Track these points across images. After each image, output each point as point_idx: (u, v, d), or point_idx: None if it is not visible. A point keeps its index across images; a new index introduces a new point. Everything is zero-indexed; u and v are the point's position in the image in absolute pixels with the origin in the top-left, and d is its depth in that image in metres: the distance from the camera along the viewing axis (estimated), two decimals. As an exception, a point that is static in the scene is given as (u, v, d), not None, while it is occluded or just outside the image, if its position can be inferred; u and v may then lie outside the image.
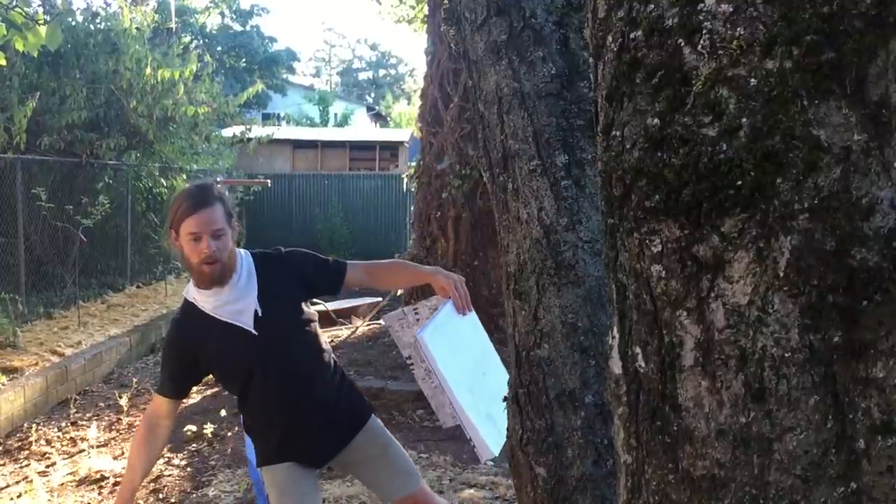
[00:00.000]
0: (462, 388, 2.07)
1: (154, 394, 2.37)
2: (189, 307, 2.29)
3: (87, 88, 9.31)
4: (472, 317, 2.30)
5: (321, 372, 2.38)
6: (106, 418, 5.59)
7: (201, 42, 23.45)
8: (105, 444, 5.02)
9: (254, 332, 2.23)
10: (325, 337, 2.48)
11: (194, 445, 4.90)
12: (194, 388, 6.42)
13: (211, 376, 2.50)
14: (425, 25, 8.06)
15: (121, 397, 5.81)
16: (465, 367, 2.16)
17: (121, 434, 5.25)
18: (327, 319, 7.57)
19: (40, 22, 4.08)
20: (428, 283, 2.41)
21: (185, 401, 6.33)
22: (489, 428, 2.09)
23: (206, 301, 2.25)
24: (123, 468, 4.52)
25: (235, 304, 2.24)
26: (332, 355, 2.47)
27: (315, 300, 7.64)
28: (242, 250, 2.33)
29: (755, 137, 0.71)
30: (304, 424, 2.32)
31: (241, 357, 2.26)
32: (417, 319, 2.27)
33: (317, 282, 2.41)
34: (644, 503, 0.84)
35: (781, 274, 0.71)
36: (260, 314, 2.24)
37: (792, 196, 0.70)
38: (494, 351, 2.34)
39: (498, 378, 2.21)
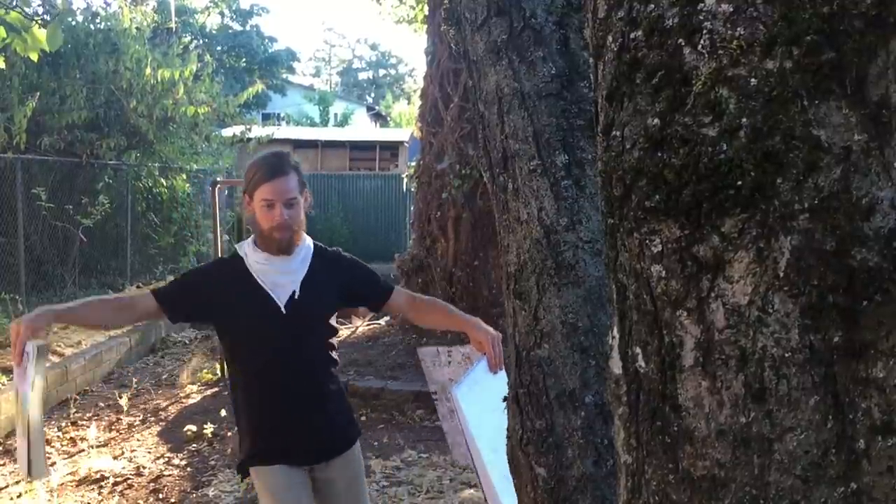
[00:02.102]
0: (487, 447, 2.09)
1: (149, 291, 2.31)
2: (236, 258, 2.32)
3: (87, 88, 9.31)
4: (503, 376, 2.31)
5: (327, 378, 2.37)
6: (106, 418, 5.59)
7: (201, 42, 23.44)
8: (105, 444, 5.02)
9: (283, 310, 2.24)
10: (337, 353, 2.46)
11: (194, 445, 4.90)
12: (194, 388, 6.41)
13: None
14: (425, 25, 8.06)
15: (121, 397, 5.82)
16: (491, 425, 2.18)
17: (121, 434, 5.25)
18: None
19: (39, 23, 4.08)
20: (465, 331, 2.37)
21: (184, 401, 6.32)
22: (507, 488, 2.11)
23: (256, 261, 2.27)
24: (123, 468, 4.54)
25: (280, 276, 2.26)
26: (338, 373, 2.46)
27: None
28: (307, 236, 2.36)
29: (755, 137, 0.71)
30: (298, 423, 2.29)
31: (263, 330, 2.26)
32: (449, 362, 2.29)
33: (359, 292, 2.43)
34: (644, 503, 0.84)
35: (781, 274, 0.71)
36: (296, 296, 2.26)
37: (792, 196, 0.70)
38: None
39: None
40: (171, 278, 10.10)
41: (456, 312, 2.47)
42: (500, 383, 2.27)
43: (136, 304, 2.32)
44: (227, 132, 13.10)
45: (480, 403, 2.14)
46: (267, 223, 2.20)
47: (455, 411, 2.09)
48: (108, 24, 9.94)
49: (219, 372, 6.37)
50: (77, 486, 4.32)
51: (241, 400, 2.38)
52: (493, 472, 2.09)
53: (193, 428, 5.01)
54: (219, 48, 26.47)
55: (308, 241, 2.34)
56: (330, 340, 2.40)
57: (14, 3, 4.15)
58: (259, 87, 13.19)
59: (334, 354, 2.42)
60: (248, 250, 2.29)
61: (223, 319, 2.34)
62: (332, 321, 2.41)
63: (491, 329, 2.30)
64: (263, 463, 2.30)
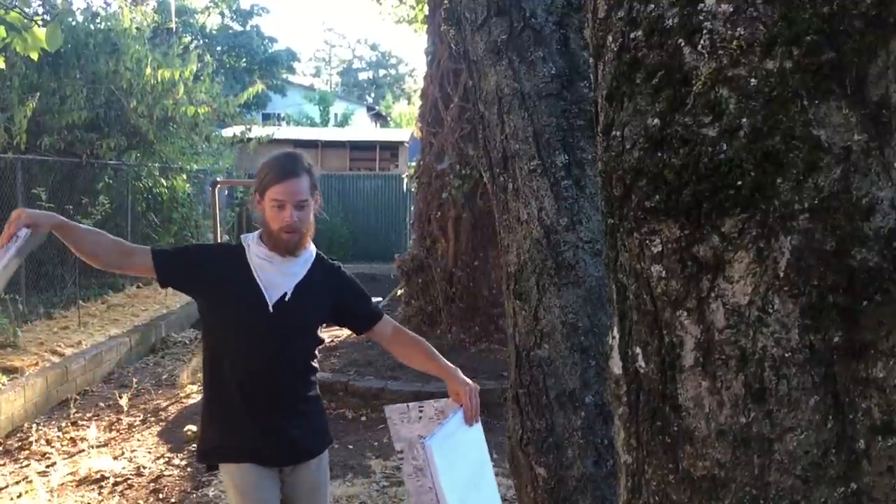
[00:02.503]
0: (455, 500, 2.09)
1: (149, 248, 2.31)
2: (238, 246, 2.32)
3: (87, 88, 9.31)
4: (478, 428, 2.30)
5: (304, 385, 2.36)
6: (106, 418, 5.59)
7: (201, 42, 23.44)
8: (105, 444, 5.02)
9: (271, 308, 2.24)
10: (318, 358, 2.46)
11: (194, 445, 4.89)
12: (194, 388, 6.40)
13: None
14: (425, 25, 8.07)
15: (121, 397, 5.81)
16: (461, 478, 2.17)
17: (121, 434, 5.25)
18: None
19: (39, 23, 4.08)
20: (443, 378, 2.34)
21: (184, 401, 6.31)
22: None
23: (257, 254, 2.27)
24: (123, 468, 4.54)
25: (276, 275, 2.26)
26: (317, 380, 2.45)
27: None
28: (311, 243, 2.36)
29: (755, 137, 0.71)
30: (272, 424, 2.28)
31: (244, 319, 2.26)
32: (420, 417, 2.26)
33: (349, 309, 2.41)
34: (644, 503, 0.84)
35: (781, 274, 0.71)
36: (287, 298, 2.25)
37: (792, 196, 0.70)
38: (490, 464, 2.36)
39: (489, 493, 2.24)
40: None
41: (437, 357, 2.42)
42: (471, 438, 2.27)
43: (134, 253, 2.30)
44: (228, 132, 13.11)
45: (453, 455, 2.14)
46: (276, 223, 2.20)
47: (424, 468, 2.08)
48: (108, 24, 9.94)
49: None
50: (77, 486, 4.32)
51: (214, 386, 2.36)
52: None
53: (193, 428, 5.00)
54: (219, 48, 26.47)
55: (312, 248, 2.34)
56: (313, 350, 2.39)
57: (14, 3, 4.15)
58: (259, 87, 13.20)
59: (315, 363, 2.41)
60: (251, 243, 2.30)
61: (210, 300, 2.34)
62: (320, 333, 2.40)
63: (469, 380, 2.25)
64: (233, 460, 2.29)
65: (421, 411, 2.24)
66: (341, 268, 2.44)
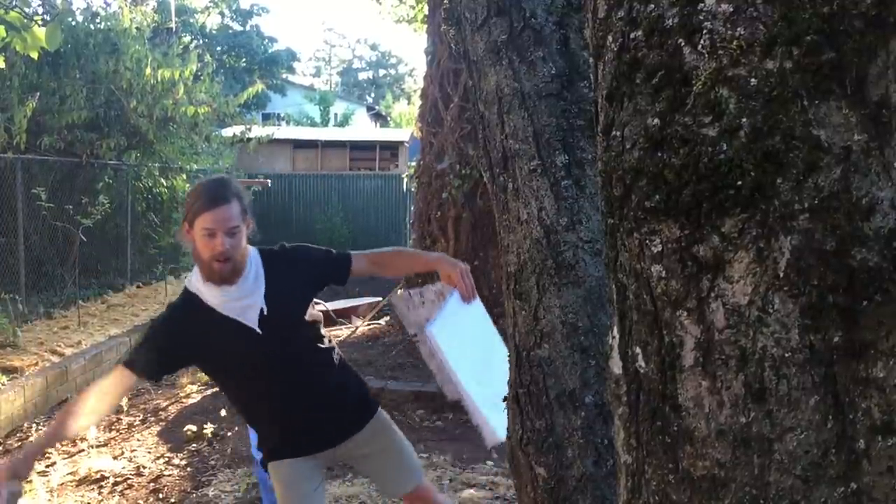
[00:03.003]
0: (470, 379, 2.10)
1: (118, 365, 2.26)
2: (191, 297, 2.27)
3: (87, 88, 9.31)
4: (478, 305, 2.31)
5: (323, 367, 2.39)
6: (106, 418, 5.59)
7: (201, 42, 23.44)
8: (105, 444, 5.02)
9: (258, 330, 2.22)
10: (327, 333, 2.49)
11: (194, 445, 4.90)
12: (194, 388, 6.39)
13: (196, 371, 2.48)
14: (425, 25, 8.06)
15: (121, 397, 5.81)
16: (472, 357, 2.18)
17: (121, 434, 5.25)
18: (327, 319, 7.56)
19: (39, 23, 4.08)
20: (433, 270, 2.40)
21: (184, 400, 6.31)
22: (495, 415, 2.11)
23: (212, 295, 2.23)
24: (123, 468, 4.54)
25: (242, 300, 2.23)
26: (336, 350, 2.47)
27: (316, 300, 7.62)
28: (250, 247, 2.31)
29: (755, 137, 0.71)
30: (306, 419, 2.34)
31: (243, 353, 2.26)
32: (423, 302, 2.28)
33: (324, 275, 2.41)
34: (644, 503, 0.84)
35: (781, 274, 0.71)
36: (265, 312, 2.23)
37: (792, 196, 0.70)
38: (500, 339, 2.35)
39: (504, 366, 2.24)
40: (170, 278, 10.17)
41: (419, 254, 2.48)
42: (473, 315, 2.26)
43: (112, 386, 2.24)
44: (227, 132, 13.10)
45: (457, 336, 2.14)
46: (208, 252, 2.13)
47: (435, 355, 2.10)
48: (108, 24, 9.94)
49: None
50: (77, 486, 4.32)
51: (244, 415, 2.48)
52: (479, 401, 2.09)
53: (193, 428, 5.01)
54: (219, 48, 26.47)
55: (254, 256, 2.28)
56: (315, 327, 2.39)
57: (14, 3, 4.15)
58: (259, 87, 13.19)
59: (325, 343, 2.42)
60: (200, 287, 2.24)
61: (202, 361, 2.37)
62: (313, 311, 2.40)
63: (458, 262, 2.32)
64: (276, 458, 2.38)
65: (422, 296, 2.26)
66: (287, 248, 2.40)
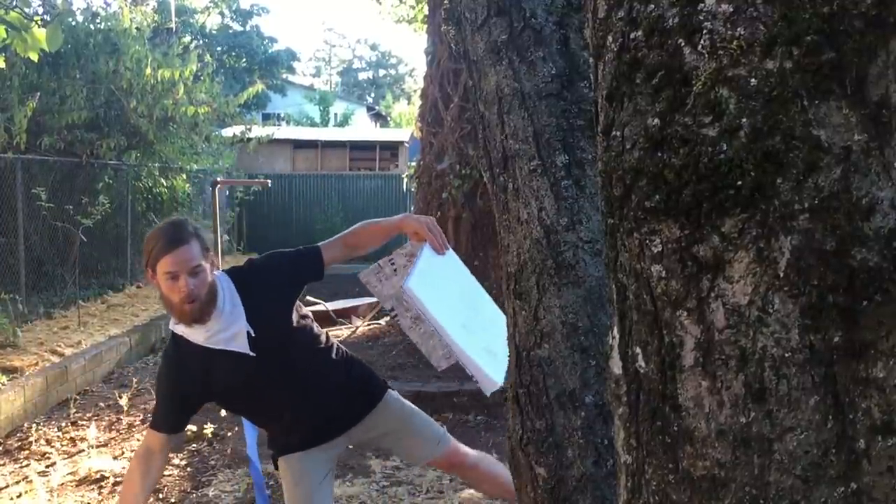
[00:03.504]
0: (457, 328, 2.06)
1: (149, 429, 2.31)
2: (179, 340, 2.26)
3: (87, 88, 9.31)
4: (451, 255, 2.29)
5: (323, 361, 2.42)
6: (106, 418, 5.58)
7: (201, 42, 23.44)
8: (105, 444, 5.02)
9: (251, 353, 2.22)
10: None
11: (194, 445, 4.89)
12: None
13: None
14: (425, 25, 8.06)
15: (121, 397, 5.81)
16: (454, 306, 2.15)
17: (121, 434, 5.24)
18: (327, 319, 7.57)
19: (39, 23, 4.08)
20: (400, 232, 2.41)
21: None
22: (490, 361, 2.08)
23: (195, 334, 2.22)
24: (123, 468, 4.53)
25: (226, 331, 2.21)
26: (335, 344, 2.50)
27: (315, 300, 7.63)
28: (220, 273, 2.28)
29: (755, 137, 0.71)
30: (315, 414, 2.39)
31: (244, 379, 2.27)
32: (395, 270, 2.26)
33: (299, 276, 2.41)
34: (644, 503, 0.84)
35: (781, 274, 0.71)
36: (253, 335, 2.22)
37: (792, 196, 0.70)
38: (479, 285, 2.34)
39: (487, 311, 2.22)
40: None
41: (382, 221, 2.50)
42: (449, 265, 2.25)
43: (151, 456, 2.29)
44: (227, 132, 13.11)
45: (436, 287, 2.12)
46: (175, 295, 2.12)
47: (418, 314, 2.07)
48: (108, 24, 9.94)
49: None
50: (77, 486, 4.32)
51: (258, 425, 2.59)
52: (470, 350, 2.06)
53: (193, 428, 5.00)
54: (219, 48, 26.46)
55: (225, 284, 2.25)
56: (307, 327, 2.40)
57: (14, 3, 4.15)
58: (259, 87, 13.20)
59: (322, 340, 2.43)
60: (183, 329, 2.23)
61: (213, 396, 2.40)
62: (300, 311, 2.41)
63: (422, 216, 2.35)
64: (287, 453, 2.43)
65: (393, 264, 2.25)
66: (256, 264, 2.38)
